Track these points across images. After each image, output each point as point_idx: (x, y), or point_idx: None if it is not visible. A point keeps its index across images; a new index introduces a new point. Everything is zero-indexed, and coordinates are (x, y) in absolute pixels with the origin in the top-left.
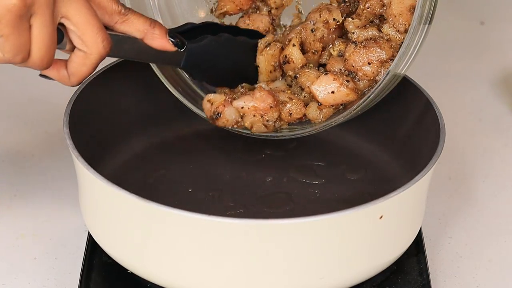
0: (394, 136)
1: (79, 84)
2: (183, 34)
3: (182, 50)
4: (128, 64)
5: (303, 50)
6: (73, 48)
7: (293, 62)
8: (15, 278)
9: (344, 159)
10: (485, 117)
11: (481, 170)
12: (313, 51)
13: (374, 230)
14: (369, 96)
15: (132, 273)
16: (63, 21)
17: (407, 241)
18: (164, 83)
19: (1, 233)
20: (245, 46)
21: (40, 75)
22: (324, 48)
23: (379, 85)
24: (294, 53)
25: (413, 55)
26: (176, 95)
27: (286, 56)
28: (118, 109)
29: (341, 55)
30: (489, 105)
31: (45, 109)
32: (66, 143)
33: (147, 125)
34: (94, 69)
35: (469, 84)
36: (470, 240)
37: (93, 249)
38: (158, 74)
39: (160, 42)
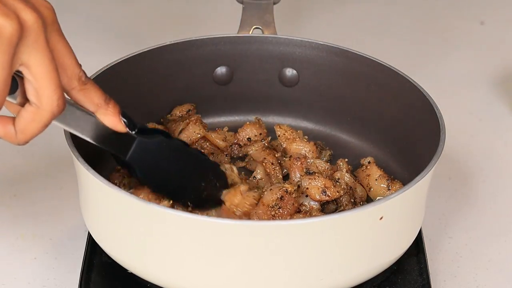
0: (394, 136)
1: (26, 143)
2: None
3: (133, 133)
4: (128, 65)
5: None
6: (23, 103)
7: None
8: (15, 278)
9: (344, 159)
10: (485, 117)
11: (481, 170)
12: None
13: (374, 231)
14: None
15: (132, 273)
16: (21, 69)
17: (407, 241)
18: None
19: (1, 233)
20: (195, 160)
21: None
22: None
23: None
24: None
25: None
26: None
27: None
28: None
29: None
30: (489, 105)
31: None
32: (66, 143)
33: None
34: (43, 129)
35: (469, 84)
36: (470, 240)
37: (93, 249)
38: None
39: (112, 119)
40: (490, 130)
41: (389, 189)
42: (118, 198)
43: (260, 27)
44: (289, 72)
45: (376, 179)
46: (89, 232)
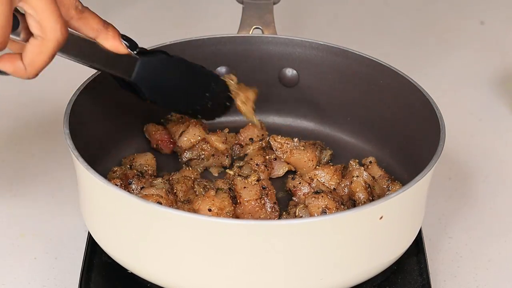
0: (394, 136)
1: (36, 75)
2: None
3: (135, 52)
4: None
5: None
6: (27, 38)
7: None
8: (15, 278)
9: (343, 159)
10: (485, 117)
11: (481, 171)
12: None
13: (374, 231)
14: None
15: (131, 273)
16: (21, 5)
17: (407, 241)
18: None
19: (1, 233)
20: (197, 72)
21: None
22: None
23: None
24: None
25: None
26: None
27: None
28: (118, 109)
29: None
30: (489, 105)
31: (45, 109)
32: (66, 143)
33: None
34: (51, 59)
35: (469, 84)
36: (470, 240)
37: (93, 249)
38: None
39: (113, 42)
40: (490, 130)
41: (389, 190)
42: (117, 198)
43: (260, 27)
44: (289, 72)
45: (377, 179)
46: (89, 232)
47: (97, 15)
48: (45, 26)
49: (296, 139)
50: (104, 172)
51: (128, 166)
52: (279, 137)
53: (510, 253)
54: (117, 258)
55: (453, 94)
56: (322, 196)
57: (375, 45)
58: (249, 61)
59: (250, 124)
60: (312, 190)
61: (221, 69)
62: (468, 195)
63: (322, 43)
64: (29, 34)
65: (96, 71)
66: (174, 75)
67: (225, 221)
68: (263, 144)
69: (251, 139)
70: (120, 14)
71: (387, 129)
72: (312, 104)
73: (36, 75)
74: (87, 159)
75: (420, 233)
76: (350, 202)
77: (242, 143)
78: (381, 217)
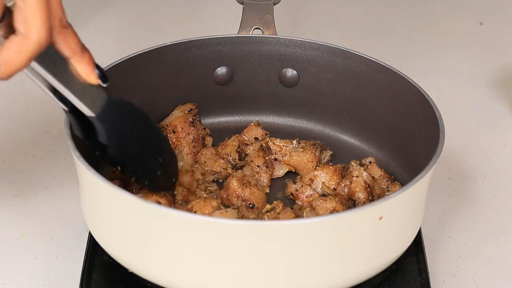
0: (393, 136)
1: (9, 77)
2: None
3: (104, 86)
4: (128, 65)
5: None
6: (6, 36)
7: None
8: (16, 277)
9: (343, 159)
10: (485, 117)
11: (480, 170)
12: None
13: (373, 231)
14: None
15: (132, 273)
16: None
17: (407, 241)
18: None
19: (2, 232)
20: (157, 134)
21: None
22: None
23: None
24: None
25: None
26: None
27: None
28: None
29: None
30: (489, 105)
31: (46, 109)
32: (67, 143)
33: None
34: (28, 62)
35: (468, 84)
36: (469, 240)
37: (94, 248)
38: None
39: (86, 68)
40: (489, 130)
41: (388, 190)
42: (118, 198)
43: (260, 27)
44: (289, 72)
45: (377, 179)
46: (90, 232)
47: (77, 36)
48: (31, 24)
49: (295, 140)
50: (105, 172)
51: None
52: (277, 140)
53: (508, 253)
54: (118, 258)
55: (453, 94)
56: (330, 199)
57: (375, 45)
58: (249, 61)
59: (252, 124)
60: (315, 192)
61: (222, 69)
62: (467, 195)
63: (322, 43)
64: (10, 32)
65: None
66: (135, 127)
67: (226, 221)
68: (263, 144)
69: (256, 138)
70: (120, 14)
71: (387, 129)
72: (312, 104)
73: (9, 76)
74: (88, 159)
75: (419, 233)
76: (350, 202)
77: (246, 143)
78: (380, 218)
